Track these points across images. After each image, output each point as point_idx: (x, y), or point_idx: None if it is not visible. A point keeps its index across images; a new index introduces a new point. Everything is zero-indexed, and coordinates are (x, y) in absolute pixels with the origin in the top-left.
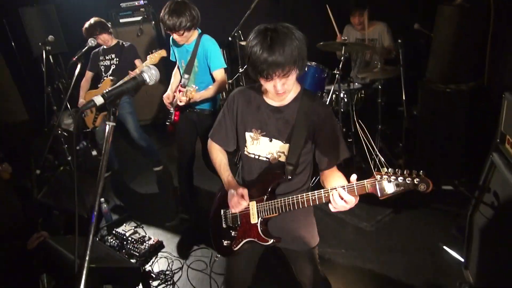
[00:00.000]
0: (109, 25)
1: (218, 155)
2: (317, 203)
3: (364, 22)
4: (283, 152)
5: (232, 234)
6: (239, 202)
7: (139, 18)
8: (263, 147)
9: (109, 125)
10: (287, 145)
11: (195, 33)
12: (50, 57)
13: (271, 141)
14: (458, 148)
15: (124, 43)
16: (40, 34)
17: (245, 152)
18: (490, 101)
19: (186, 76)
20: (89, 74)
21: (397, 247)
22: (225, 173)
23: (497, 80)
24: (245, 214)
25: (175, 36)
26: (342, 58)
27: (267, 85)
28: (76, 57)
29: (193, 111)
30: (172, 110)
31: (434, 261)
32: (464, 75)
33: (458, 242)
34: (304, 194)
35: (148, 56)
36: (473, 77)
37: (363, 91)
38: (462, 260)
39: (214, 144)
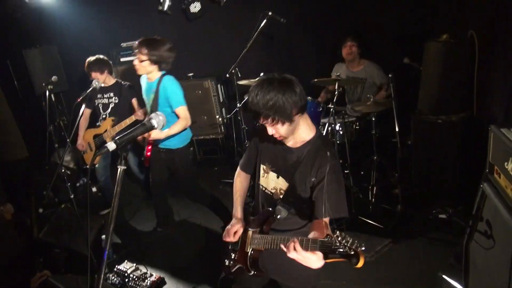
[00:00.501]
0: (110, 63)
1: (238, 185)
2: (279, 248)
3: (356, 52)
4: (284, 190)
5: (232, 256)
6: (230, 235)
7: None
8: (270, 181)
9: (120, 168)
10: (288, 184)
11: (158, 73)
12: (52, 95)
13: (278, 177)
14: (452, 177)
15: (123, 82)
16: (43, 74)
17: (258, 182)
18: (480, 131)
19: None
20: (87, 112)
21: (398, 278)
22: (237, 202)
23: (485, 111)
24: (244, 242)
25: (135, 61)
26: (336, 92)
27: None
28: (81, 98)
29: (159, 150)
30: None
31: None
32: (453, 106)
33: (456, 271)
34: (276, 237)
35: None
36: (463, 108)
37: (357, 123)
38: None
39: (241, 172)
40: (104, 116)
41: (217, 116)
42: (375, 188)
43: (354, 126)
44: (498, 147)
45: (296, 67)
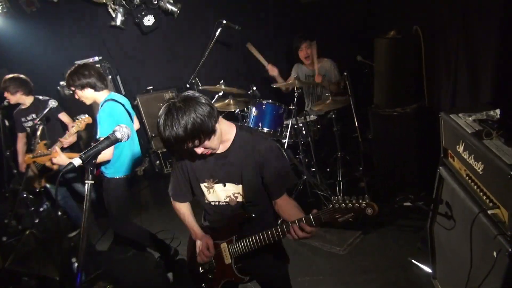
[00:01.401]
0: (29, 84)
1: (181, 209)
2: (282, 237)
3: (313, 53)
4: (239, 193)
5: (210, 277)
6: (205, 254)
7: None
8: (219, 193)
9: (88, 183)
10: (240, 185)
11: (101, 95)
12: (6, 120)
13: (225, 186)
14: (412, 166)
15: (41, 98)
16: None
17: (206, 202)
18: (433, 119)
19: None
20: (20, 136)
21: (371, 267)
22: (191, 224)
23: (435, 101)
24: (219, 256)
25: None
26: (295, 93)
27: (192, 151)
28: (38, 119)
29: (102, 175)
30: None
31: (407, 276)
32: (406, 98)
33: (424, 255)
34: (270, 230)
35: (74, 122)
36: (416, 100)
37: (319, 122)
38: (431, 271)
39: (175, 202)
40: (34, 140)
41: None
42: (342, 183)
43: (316, 125)
44: (449, 132)
45: (255, 71)
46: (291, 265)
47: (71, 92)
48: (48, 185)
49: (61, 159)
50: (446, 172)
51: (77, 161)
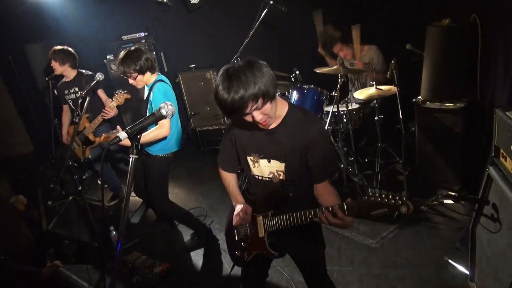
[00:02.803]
0: (76, 58)
1: (227, 178)
2: (313, 219)
3: (355, 39)
4: (282, 171)
5: (243, 246)
6: (242, 217)
7: None
8: (263, 169)
9: (132, 157)
10: (284, 164)
11: (153, 77)
12: (55, 90)
13: (269, 162)
14: (457, 162)
15: (84, 72)
16: (45, 68)
17: (251, 174)
18: (484, 116)
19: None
20: (65, 108)
21: (403, 263)
22: (234, 191)
23: (489, 96)
24: (254, 228)
25: (129, 80)
26: (339, 80)
27: (247, 118)
28: (85, 91)
29: (142, 152)
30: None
31: (441, 275)
32: (457, 92)
33: (462, 255)
34: (303, 211)
35: (113, 97)
36: (466, 94)
37: (361, 111)
38: (468, 273)
39: (222, 170)
40: (77, 113)
41: None
42: (380, 175)
43: (358, 113)
44: (504, 130)
45: (298, 55)
46: None
47: (127, 77)
48: (90, 156)
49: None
50: (496, 172)
51: (123, 135)
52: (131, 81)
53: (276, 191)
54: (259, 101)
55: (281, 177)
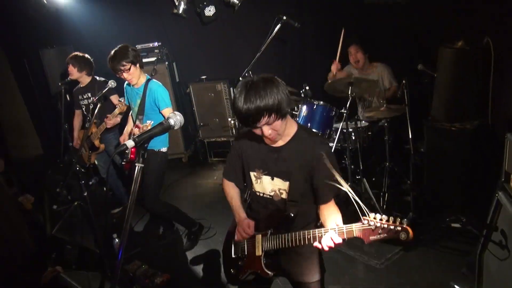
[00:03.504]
0: (93, 66)
1: (231, 191)
2: (312, 242)
3: (362, 59)
4: (285, 190)
5: (239, 264)
6: (245, 231)
7: (153, 59)
8: (266, 185)
9: (138, 166)
10: (287, 183)
11: (143, 77)
12: (67, 95)
13: (272, 179)
14: (466, 186)
15: (98, 78)
16: (58, 74)
17: (252, 190)
18: (495, 139)
19: (140, 116)
20: (77, 113)
21: (408, 286)
22: (236, 206)
23: (501, 119)
24: (252, 246)
25: (123, 75)
26: (349, 97)
27: (256, 131)
28: (96, 97)
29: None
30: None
31: None
32: (468, 114)
33: (469, 281)
34: (302, 232)
35: (116, 104)
36: (477, 116)
37: (370, 129)
38: None
39: (225, 181)
40: (88, 118)
41: (229, 119)
42: (387, 194)
43: (366, 131)
44: None
45: (309, 71)
46: None
47: (120, 70)
48: (96, 162)
49: None
50: (505, 198)
51: (130, 143)
52: (125, 74)
53: (277, 210)
54: (272, 116)
55: (282, 196)
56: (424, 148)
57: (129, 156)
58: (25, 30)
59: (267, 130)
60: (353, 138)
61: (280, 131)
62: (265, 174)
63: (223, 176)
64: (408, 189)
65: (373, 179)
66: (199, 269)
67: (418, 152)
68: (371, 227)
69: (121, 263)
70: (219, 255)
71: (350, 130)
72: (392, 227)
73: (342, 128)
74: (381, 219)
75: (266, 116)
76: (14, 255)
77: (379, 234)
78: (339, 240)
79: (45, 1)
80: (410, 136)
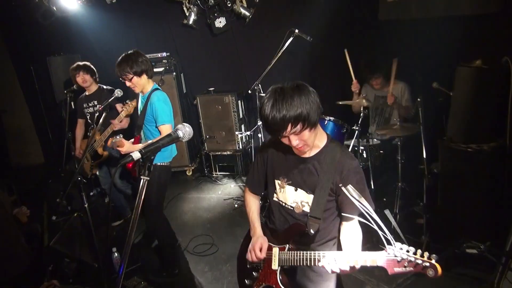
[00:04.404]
0: (95, 72)
1: (251, 202)
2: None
3: (393, 71)
4: (307, 203)
5: (254, 275)
6: (256, 254)
7: (161, 69)
8: (288, 196)
9: (143, 179)
10: (311, 195)
11: (150, 84)
12: (72, 103)
13: (296, 190)
14: (482, 209)
15: (105, 87)
16: (64, 82)
17: (274, 198)
18: None
19: (139, 124)
20: (80, 122)
21: None
22: (254, 220)
23: None
24: (268, 258)
25: (126, 83)
26: (361, 114)
27: (283, 141)
28: (102, 106)
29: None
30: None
31: None
32: (485, 135)
33: None
34: (322, 252)
35: (122, 107)
36: (495, 137)
37: (382, 148)
38: None
39: (249, 192)
40: (92, 126)
41: (236, 133)
42: (398, 216)
43: (378, 150)
44: None
45: (319, 86)
46: None
47: (123, 78)
48: (98, 173)
49: (127, 147)
50: None
51: (136, 155)
52: (127, 83)
53: (297, 224)
54: (299, 126)
55: (304, 209)
56: (438, 169)
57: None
58: (33, 37)
59: (294, 140)
60: (365, 156)
61: (308, 142)
62: (289, 184)
63: (246, 184)
64: (420, 211)
65: (384, 199)
66: (200, 287)
67: (432, 173)
68: (397, 258)
69: (121, 279)
70: (221, 273)
71: (362, 147)
72: (419, 261)
73: (353, 145)
74: (407, 251)
75: (293, 125)
76: (6, 271)
77: (405, 267)
78: (351, 267)
79: (54, 9)
80: (425, 156)
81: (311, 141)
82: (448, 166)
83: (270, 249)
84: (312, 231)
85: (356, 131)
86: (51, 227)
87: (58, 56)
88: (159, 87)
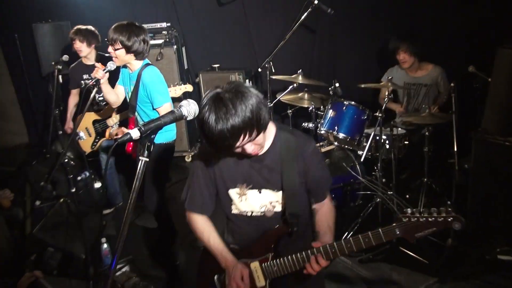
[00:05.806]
0: (99, 39)
1: (203, 226)
2: (332, 257)
3: (409, 60)
4: (277, 201)
5: None
6: (238, 285)
7: (160, 42)
8: (253, 202)
9: (142, 160)
10: (280, 192)
11: (138, 62)
12: (60, 77)
13: (260, 192)
14: None
15: (106, 55)
16: (52, 52)
17: (234, 212)
18: None
19: (132, 104)
20: (73, 92)
21: None
22: (218, 247)
23: None
24: (251, 277)
25: (109, 49)
26: (386, 99)
27: (236, 151)
28: (93, 81)
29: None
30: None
31: None
32: None
33: None
34: (311, 250)
35: (170, 88)
36: None
37: (407, 138)
38: None
39: (193, 215)
40: (101, 98)
41: None
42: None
43: (403, 140)
44: None
45: (340, 65)
46: None
47: (111, 44)
48: (100, 152)
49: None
50: None
51: (135, 133)
52: (110, 50)
53: (276, 228)
54: (254, 133)
55: (276, 209)
56: (470, 164)
57: (125, 148)
58: (18, 1)
59: (249, 147)
60: (387, 146)
61: (263, 144)
62: (251, 188)
63: (187, 207)
64: None
65: (407, 196)
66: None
67: (463, 168)
68: (414, 222)
69: (113, 273)
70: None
71: (384, 137)
72: (440, 219)
73: (375, 135)
74: (421, 212)
75: (246, 134)
76: None
77: (427, 229)
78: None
79: None
80: (456, 149)
81: (263, 141)
82: (482, 161)
83: (245, 266)
84: (295, 229)
85: (380, 119)
86: (34, 213)
87: (45, 23)
88: (149, 62)
